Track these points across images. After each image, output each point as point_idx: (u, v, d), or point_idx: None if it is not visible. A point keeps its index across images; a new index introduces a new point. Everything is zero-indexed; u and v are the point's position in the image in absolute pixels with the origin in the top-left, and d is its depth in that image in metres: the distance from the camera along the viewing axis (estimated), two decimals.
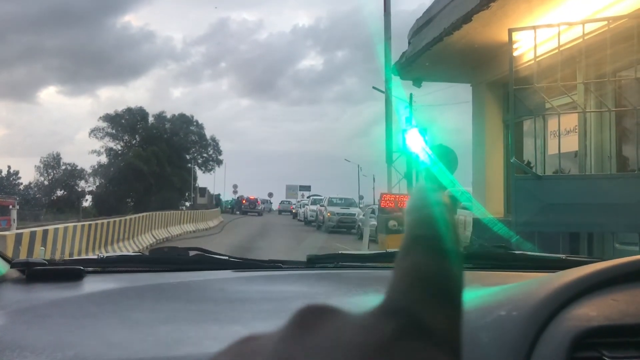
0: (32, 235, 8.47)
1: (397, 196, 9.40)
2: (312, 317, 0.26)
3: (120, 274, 1.42)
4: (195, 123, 64.76)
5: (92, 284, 1.26)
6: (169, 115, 63.84)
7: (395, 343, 0.25)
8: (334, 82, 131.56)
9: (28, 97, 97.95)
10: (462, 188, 11.76)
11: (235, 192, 61.37)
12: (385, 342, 0.24)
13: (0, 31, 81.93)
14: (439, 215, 0.29)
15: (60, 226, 9.81)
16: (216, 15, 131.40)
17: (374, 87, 32.97)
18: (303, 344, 0.25)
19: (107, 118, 60.95)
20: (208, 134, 65.10)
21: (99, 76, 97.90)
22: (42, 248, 7.33)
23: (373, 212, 21.49)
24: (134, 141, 61.85)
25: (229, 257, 1.58)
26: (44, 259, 1.34)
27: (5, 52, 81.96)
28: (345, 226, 25.79)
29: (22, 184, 63.82)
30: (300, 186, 79.91)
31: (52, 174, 64.04)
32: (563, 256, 1.67)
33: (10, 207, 21.96)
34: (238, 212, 50.66)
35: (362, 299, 1.11)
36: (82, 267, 1.30)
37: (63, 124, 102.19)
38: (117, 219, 13.10)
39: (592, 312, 0.73)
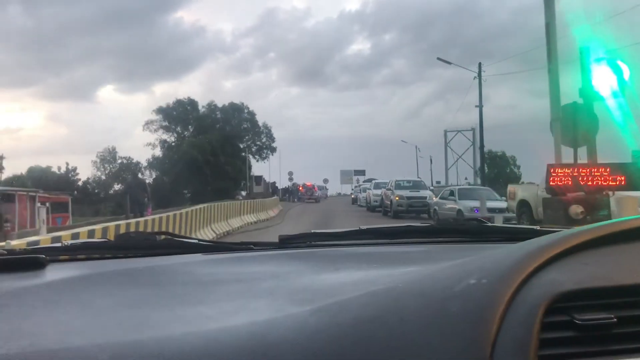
0: (75, 237, 6.85)
1: (577, 168, 6.71)
2: None
3: (85, 262, 1.36)
4: (246, 110, 63.76)
5: (54, 272, 1.18)
6: (219, 105, 63.08)
7: None
8: (382, 66, 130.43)
9: (87, 96, 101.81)
10: None
11: (290, 179, 60.08)
12: None
13: (61, 35, 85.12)
14: None
15: (111, 225, 8.19)
16: (264, 5, 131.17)
17: (438, 58, 30.91)
18: None
19: (160, 110, 60.82)
20: (260, 120, 64.01)
21: (153, 72, 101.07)
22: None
23: (452, 193, 19.40)
24: (186, 132, 61.54)
25: (199, 240, 1.54)
26: (4, 249, 1.27)
27: (65, 55, 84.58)
28: (414, 210, 23.76)
29: (80, 179, 64.75)
30: (354, 171, 78.44)
31: (108, 168, 64.73)
32: (537, 227, 1.62)
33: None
34: (296, 200, 49.12)
35: (333, 275, 1.04)
36: (44, 256, 1.24)
37: (121, 120, 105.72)
38: (172, 214, 11.49)
39: (562, 276, 0.73)
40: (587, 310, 0.71)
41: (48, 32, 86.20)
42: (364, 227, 1.59)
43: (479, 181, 55.16)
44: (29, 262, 1.21)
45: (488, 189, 20.47)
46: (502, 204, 17.08)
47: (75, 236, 6.39)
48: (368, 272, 1.04)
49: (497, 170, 56.23)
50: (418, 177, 35.65)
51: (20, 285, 1.06)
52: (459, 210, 17.45)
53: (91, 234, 6.90)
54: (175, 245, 1.47)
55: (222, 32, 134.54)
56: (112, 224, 8.14)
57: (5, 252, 1.24)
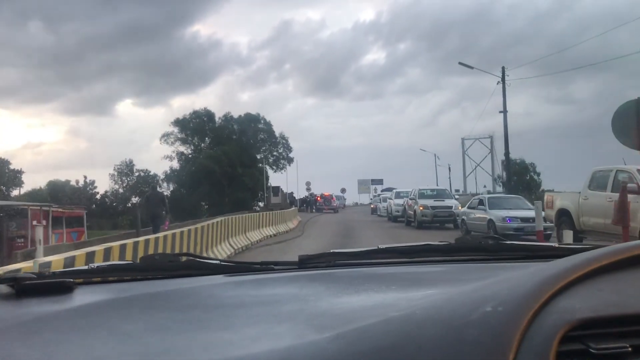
0: (69, 262, 6.18)
1: None
2: None
3: (111, 284, 1.39)
4: (262, 120, 63.24)
5: (82, 296, 1.19)
6: (235, 116, 62.70)
7: None
8: (397, 75, 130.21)
9: (106, 110, 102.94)
10: None
11: (308, 189, 59.27)
12: None
13: (80, 51, 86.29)
14: None
15: (115, 245, 7.46)
16: (279, 17, 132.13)
17: (460, 63, 30.03)
18: None
19: (177, 122, 60.63)
20: (277, 131, 63.47)
21: (171, 86, 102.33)
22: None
23: (481, 202, 18.37)
24: (203, 144, 61.27)
25: (221, 261, 1.55)
26: (33, 273, 1.29)
27: (85, 70, 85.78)
28: (440, 220, 22.78)
29: (98, 193, 64.54)
30: (372, 180, 77.70)
31: (126, 181, 64.43)
32: (555, 244, 1.65)
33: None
34: (314, 210, 48.25)
35: (352, 298, 1.05)
36: (72, 279, 1.27)
37: (139, 134, 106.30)
38: (186, 229, 10.72)
39: (577, 304, 0.72)
40: (602, 338, 0.70)
41: (68, 47, 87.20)
42: (382, 246, 1.60)
43: (498, 189, 54.18)
44: (58, 286, 1.23)
45: (520, 197, 19.44)
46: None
47: (69, 261, 5.74)
48: (387, 295, 1.04)
49: (516, 177, 55.11)
50: (437, 185, 34.72)
51: (50, 310, 1.07)
52: (490, 221, 16.47)
53: (90, 257, 6.17)
54: (197, 267, 1.47)
55: (238, 44, 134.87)
56: (117, 243, 7.37)
57: (34, 276, 1.26)
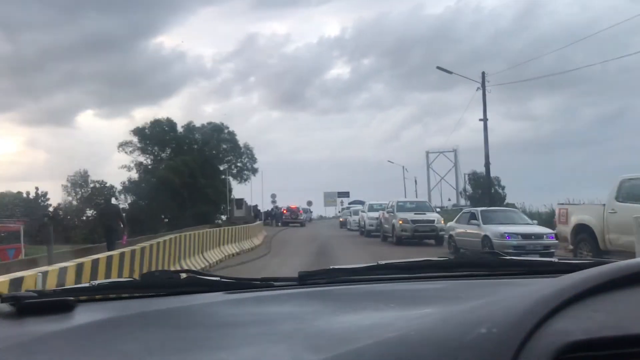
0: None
1: None
2: None
3: (112, 302, 1.39)
4: (226, 131, 60.60)
5: (83, 315, 1.19)
6: (198, 125, 59.95)
7: None
8: (362, 90, 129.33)
9: (66, 121, 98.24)
10: None
11: (273, 201, 56.73)
12: None
13: (40, 61, 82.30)
14: None
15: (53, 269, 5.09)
16: (245, 30, 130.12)
17: (438, 67, 28.32)
18: None
19: (137, 131, 57.55)
20: (241, 141, 60.87)
21: (133, 98, 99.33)
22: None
23: (473, 216, 16.40)
24: (164, 154, 58.29)
25: (221, 277, 1.54)
26: (34, 291, 1.27)
27: (44, 80, 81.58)
28: (420, 236, 20.72)
29: (51, 205, 60.47)
30: (338, 192, 75.92)
31: (80, 192, 60.61)
32: (555, 259, 1.66)
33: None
34: (279, 224, 45.72)
35: (350, 317, 1.04)
36: (73, 298, 1.26)
37: (100, 146, 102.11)
38: (129, 249, 8.32)
39: (571, 325, 0.72)
40: None
41: (27, 57, 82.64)
42: (382, 262, 1.59)
43: (462, 202, 53.49)
44: (59, 304, 1.21)
45: (515, 210, 17.59)
46: (541, 229, 14.19)
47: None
48: (384, 314, 1.05)
49: (481, 190, 54.58)
50: (405, 197, 32.93)
51: (51, 329, 1.06)
52: (486, 237, 14.44)
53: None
54: (197, 284, 1.46)
55: (202, 57, 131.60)
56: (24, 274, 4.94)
57: (35, 294, 1.24)
